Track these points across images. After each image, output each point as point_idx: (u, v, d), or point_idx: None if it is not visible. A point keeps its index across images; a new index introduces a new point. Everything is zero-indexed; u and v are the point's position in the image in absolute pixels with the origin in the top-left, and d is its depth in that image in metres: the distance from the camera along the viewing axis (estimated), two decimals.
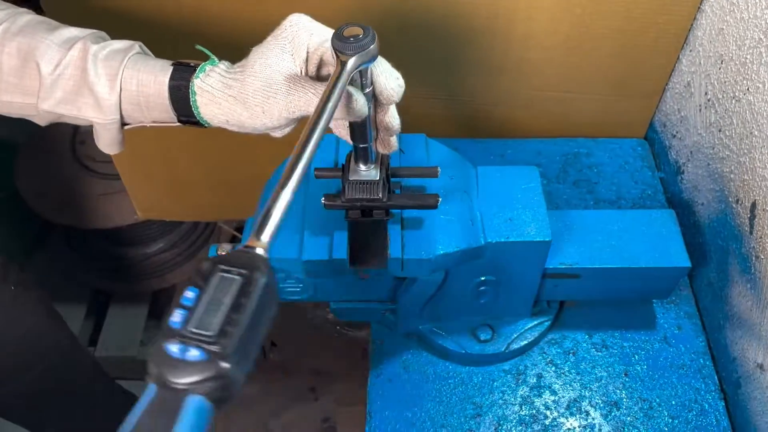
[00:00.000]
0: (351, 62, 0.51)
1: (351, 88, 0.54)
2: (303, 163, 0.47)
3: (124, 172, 1.22)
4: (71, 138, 1.70)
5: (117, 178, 1.47)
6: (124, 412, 0.36)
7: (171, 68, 0.58)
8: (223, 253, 0.77)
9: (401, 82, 0.56)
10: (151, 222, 1.68)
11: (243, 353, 0.39)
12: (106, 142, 0.61)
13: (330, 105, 0.50)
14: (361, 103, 0.53)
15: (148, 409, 0.37)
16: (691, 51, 0.92)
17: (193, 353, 0.38)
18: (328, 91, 0.50)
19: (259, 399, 1.67)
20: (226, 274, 0.40)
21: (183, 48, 0.63)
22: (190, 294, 0.40)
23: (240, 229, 1.86)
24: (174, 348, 0.38)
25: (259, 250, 0.42)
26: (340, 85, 0.50)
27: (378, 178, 0.63)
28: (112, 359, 1.68)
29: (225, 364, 0.38)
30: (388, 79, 0.55)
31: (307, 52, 0.55)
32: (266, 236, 0.44)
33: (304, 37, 0.55)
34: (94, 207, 1.63)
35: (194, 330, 0.38)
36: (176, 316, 0.39)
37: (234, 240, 1.82)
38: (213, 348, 0.38)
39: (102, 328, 1.76)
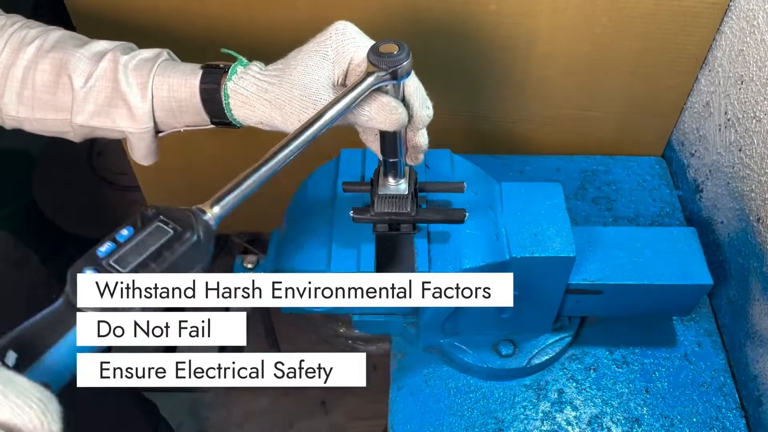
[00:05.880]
0: (373, 77, 0.52)
1: (393, 100, 0.55)
2: (285, 152, 0.49)
3: (144, 184, 1.23)
4: (88, 149, 1.73)
5: (134, 189, 1.49)
6: (142, 420, 0.38)
7: (201, 71, 0.58)
8: (251, 266, 0.78)
9: (431, 112, 0.58)
10: None
11: None
12: (142, 153, 0.62)
13: (340, 105, 0.51)
14: (403, 114, 0.55)
15: (48, 317, 0.41)
16: (710, 71, 0.93)
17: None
18: (345, 93, 0.51)
19: (270, 412, 1.67)
20: (161, 225, 0.43)
21: (212, 56, 0.64)
22: (125, 232, 0.43)
23: (252, 241, 1.87)
24: (88, 272, 0.41)
25: (206, 216, 0.45)
26: (358, 90, 0.52)
27: (407, 193, 0.64)
28: None
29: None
30: (422, 106, 0.57)
31: (349, 65, 0.56)
32: (220, 207, 0.46)
33: (349, 48, 0.55)
34: (110, 218, 1.64)
35: (111, 263, 0.42)
36: (103, 247, 0.42)
37: (246, 252, 1.83)
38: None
39: None
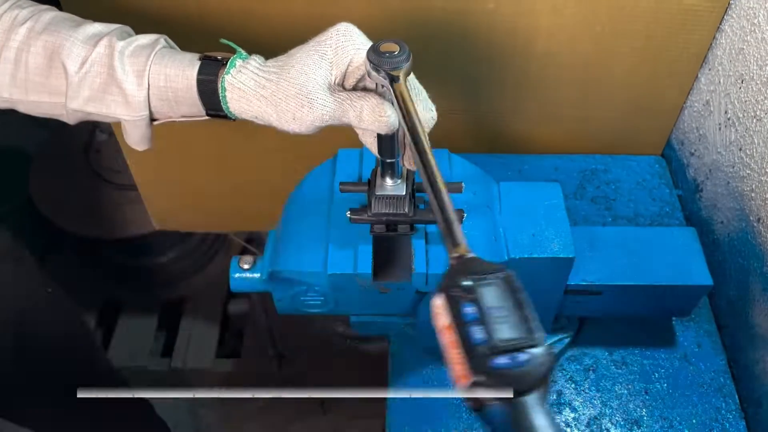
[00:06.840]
0: (401, 75, 0.52)
1: (384, 102, 0.54)
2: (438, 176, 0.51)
3: (141, 182, 1.23)
4: (85, 147, 1.72)
5: (130, 188, 1.48)
6: (140, 422, 0.37)
7: (198, 63, 0.57)
8: (247, 266, 0.77)
9: (435, 114, 0.58)
10: (163, 232, 1.68)
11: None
12: (135, 139, 0.61)
13: (415, 120, 0.52)
14: (393, 118, 0.54)
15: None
16: (710, 70, 0.93)
17: (522, 357, 0.40)
18: (406, 108, 0.53)
19: (269, 412, 1.67)
20: (486, 283, 0.43)
21: (207, 40, 0.63)
22: (469, 310, 0.41)
23: (249, 240, 1.86)
24: (503, 360, 0.39)
25: (472, 254, 0.45)
26: (407, 94, 0.53)
27: (404, 193, 0.64)
28: (122, 369, 1.68)
29: (548, 351, 0.40)
30: (425, 109, 0.56)
31: (348, 66, 0.55)
32: (462, 239, 0.47)
33: (349, 49, 0.55)
34: (107, 216, 1.63)
35: (504, 338, 0.40)
36: (477, 333, 0.40)
37: (244, 251, 1.82)
38: (533, 346, 0.40)
39: (112, 337, 1.77)
